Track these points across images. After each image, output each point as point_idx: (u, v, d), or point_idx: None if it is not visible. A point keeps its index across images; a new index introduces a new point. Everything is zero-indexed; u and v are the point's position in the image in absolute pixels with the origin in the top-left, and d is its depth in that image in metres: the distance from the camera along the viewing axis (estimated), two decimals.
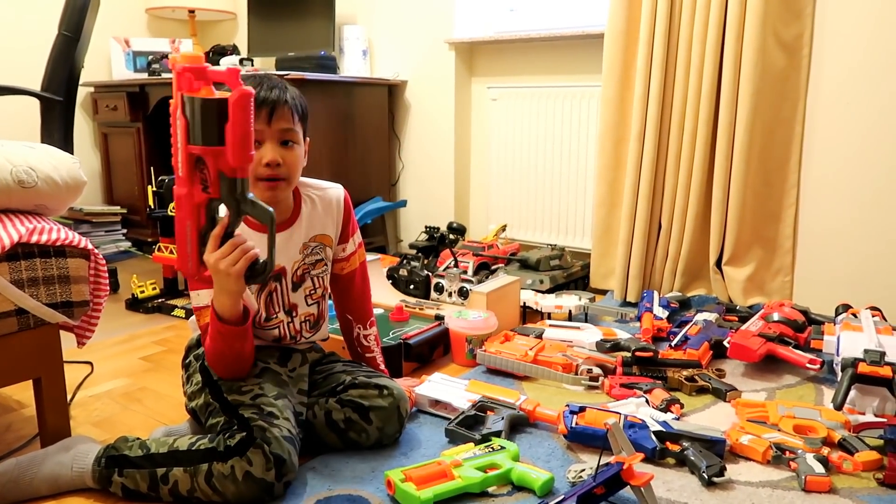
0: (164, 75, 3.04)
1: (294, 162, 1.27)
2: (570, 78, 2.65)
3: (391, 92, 3.06)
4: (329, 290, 1.46)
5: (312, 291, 1.40)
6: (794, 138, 2.18)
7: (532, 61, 2.75)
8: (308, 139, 1.33)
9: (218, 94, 1.03)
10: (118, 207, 3.18)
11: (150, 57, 3.17)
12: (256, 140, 1.22)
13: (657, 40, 2.22)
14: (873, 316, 1.77)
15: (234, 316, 1.18)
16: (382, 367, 1.53)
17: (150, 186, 2.39)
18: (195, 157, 1.05)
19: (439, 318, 1.92)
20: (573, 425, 1.34)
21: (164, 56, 3.16)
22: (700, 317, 1.96)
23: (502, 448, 1.27)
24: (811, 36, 2.11)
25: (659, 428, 1.32)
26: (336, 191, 1.42)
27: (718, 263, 2.30)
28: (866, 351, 1.49)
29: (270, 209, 1.09)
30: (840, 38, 2.07)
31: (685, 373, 1.65)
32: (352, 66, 3.01)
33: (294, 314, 1.38)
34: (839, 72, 2.09)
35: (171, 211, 2.30)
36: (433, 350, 1.84)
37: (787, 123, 2.18)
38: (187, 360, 1.39)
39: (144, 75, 3.16)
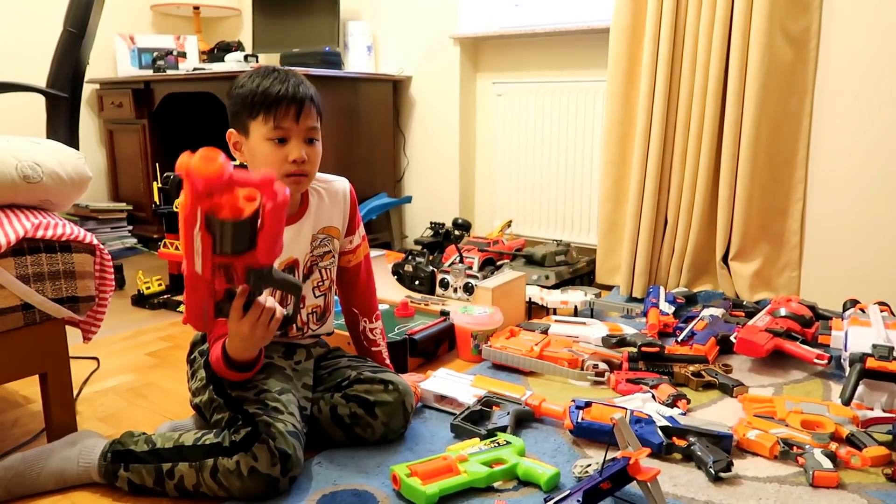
0: (170, 72, 3.04)
1: (316, 158, 1.29)
2: (575, 73, 2.64)
3: (396, 88, 3.05)
4: (335, 283, 1.46)
5: (320, 283, 1.40)
6: (801, 133, 2.17)
7: (537, 56, 2.74)
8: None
9: (246, 206, 0.95)
10: (124, 204, 3.18)
11: (155, 53, 3.17)
12: (283, 138, 1.23)
13: (663, 35, 2.21)
14: (881, 311, 1.76)
15: (253, 358, 1.19)
16: (388, 361, 1.53)
17: (155, 183, 2.39)
18: (220, 262, 1.00)
19: (444, 313, 1.92)
20: (579, 420, 1.34)
21: (169, 52, 3.16)
22: (706, 312, 1.95)
23: (508, 443, 1.27)
24: (819, 29, 2.09)
25: (665, 423, 1.32)
26: (342, 183, 1.43)
27: (725, 259, 2.29)
28: (874, 346, 1.48)
29: (298, 282, 1.10)
30: (848, 32, 2.05)
31: (692, 368, 1.64)
32: (356, 62, 3.00)
33: (301, 306, 1.38)
34: (847, 65, 2.07)
35: (176, 206, 2.31)
36: (438, 345, 1.84)
37: (794, 118, 2.16)
38: (192, 356, 1.39)
39: (149, 72, 3.16)
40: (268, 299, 1.12)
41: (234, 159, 1.27)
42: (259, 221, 0.98)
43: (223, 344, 1.17)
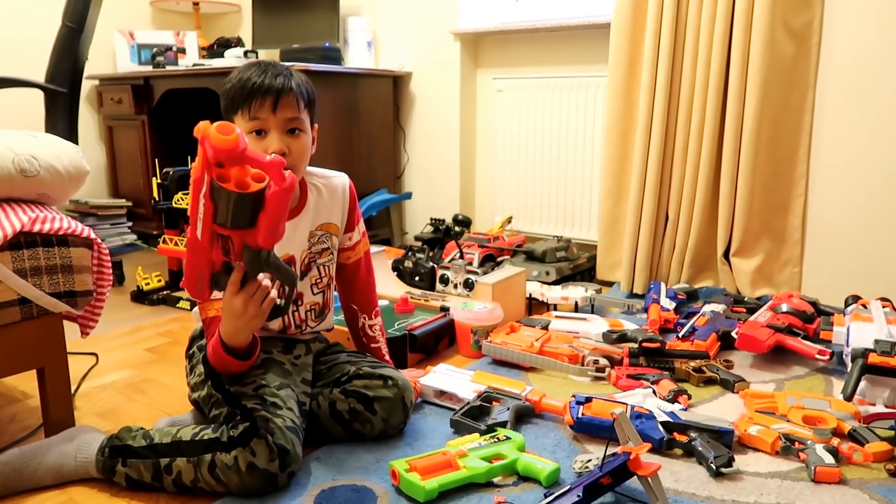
0: (169, 68, 3.03)
1: (301, 150, 1.25)
2: (576, 68, 2.63)
3: (396, 84, 3.04)
4: (334, 280, 1.45)
5: (318, 280, 1.39)
6: (803, 128, 2.16)
7: (538, 52, 2.73)
8: (317, 125, 1.32)
9: (252, 183, 0.97)
10: (123, 200, 3.18)
11: (155, 49, 3.16)
12: (260, 129, 1.22)
13: (664, 29, 2.19)
14: (884, 306, 1.75)
15: (245, 345, 1.18)
16: (387, 357, 1.52)
17: (154, 179, 2.38)
18: (219, 232, 1.01)
19: (444, 309, 1.91)
20: (579, 416, 1.33)
21: (169, 48, 3.15)
22: (707, 308, 1.94)
23: (508, 438, 1.26)
24: (821, 24, 2.08)
25: (666, 418, 1.31)
26: (341, 179, 1.42)
27: (726, 254, 2.28)
28: (877, 341, 1.47)
29: (293, 273, 1.08)
30: (850, 26, 2.04)
31: (693, 364, 1.64)
32: (356, 58, 2.99)
33: (299, 303, 1.37)
34: (849, 60, 2.06)
35: (175, 203, 2.30)
36: (438, 341, 1.83)
37: (796, 113, 2.15)
38: (191, 351, 1.38)
39: (149, 68, 3.16)
40: (264, 280, 1.11)
41: None
42: (262, 203, 0.98)
43: (219, 330, 1.16)
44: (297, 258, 1.34)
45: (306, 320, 1.39)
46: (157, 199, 2.38)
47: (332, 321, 1.47)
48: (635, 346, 1.69)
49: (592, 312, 2.08)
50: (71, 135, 2.10)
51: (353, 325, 1.52)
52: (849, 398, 1.40)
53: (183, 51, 3.25)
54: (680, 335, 1.81)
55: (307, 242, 1.35)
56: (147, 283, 2.36)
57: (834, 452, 1.23)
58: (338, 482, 1.19)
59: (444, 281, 2.18)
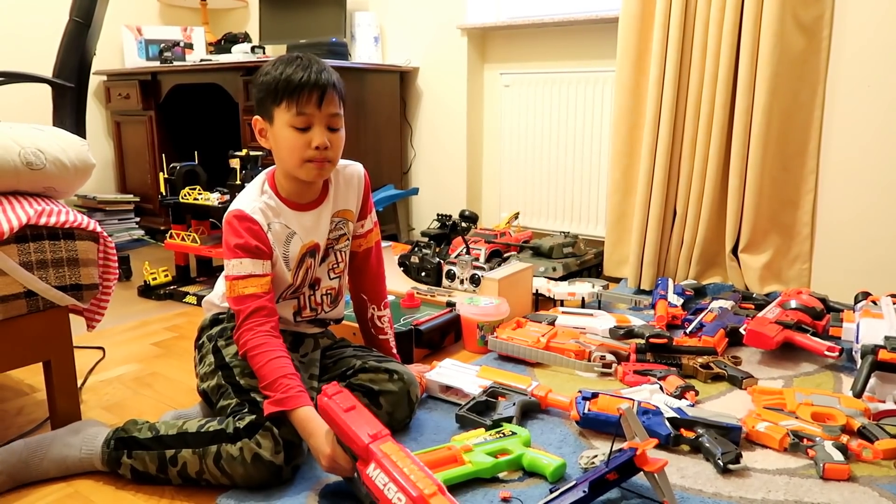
0: (177, 63, 3.03)
1: (339, 144, 1.29)
2: (583, 63, 2.62)
3: (403, 79, 3.04)
4: (348, 266, 1.45)
5: (335, 266, 1.40)
6: (813, 123, 2.14)
7: (545, 47, 2.72)
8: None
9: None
10: (131, 196, 3.19)
11: (162, 45, 3.17)
12: (306, 124, 1.23)
13: (673, 23, 2.18)
14: (894, 303, 1.73)
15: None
16: (394, 350, 1.52)
17: (162, 174, 2.39)
18: None
19: (451, 304, 1.91)
20: (586, 411, 1.32)
21: (176, 44, 3.16)
22: (715, 304, 1.93)
23: (513, 434, 1.26)
24: (831, 17, 2.06)
25: (673, 414, 1.30)
26: (357, 167, 1.43)
27: (735, 251, 2.26)
28: (887, 338, 1.46)
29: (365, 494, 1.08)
30: (861, 20, 2.02)
31: (700, 360, 1.63)
32: (363, 53, 2.99)
33: (316, 287, 1.38)
34: (860, 54, 2.04)
35: (182, 197, 2.30)
36: (444, 336, 1.82)
37: (805, 108, 2.13)
38: (200, 342, 1.38)
39: (156, 63, 3.16)
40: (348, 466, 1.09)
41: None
42: None
43: (295, 403, 1.14)
44: (320, 246, 1.35)
45: (322, 304, 1.40)
46: (164, 194, 2.38)
47: (343, 310, 1.48)
48: (642, 342, 1.68)
49: (599, 308, 2.07)
50: (78, 130, 2.09)
51: (362, 316, 1.51)
52: (858, 395, 1.39)
53: (190, 46, 3.25)
54: (687, 331, 1.80)
55: (328, 229, 1.36)
56: (154, 278, 2.36)
57: (843, 449, 1.21)
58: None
59: (451, 276, 2.17)
